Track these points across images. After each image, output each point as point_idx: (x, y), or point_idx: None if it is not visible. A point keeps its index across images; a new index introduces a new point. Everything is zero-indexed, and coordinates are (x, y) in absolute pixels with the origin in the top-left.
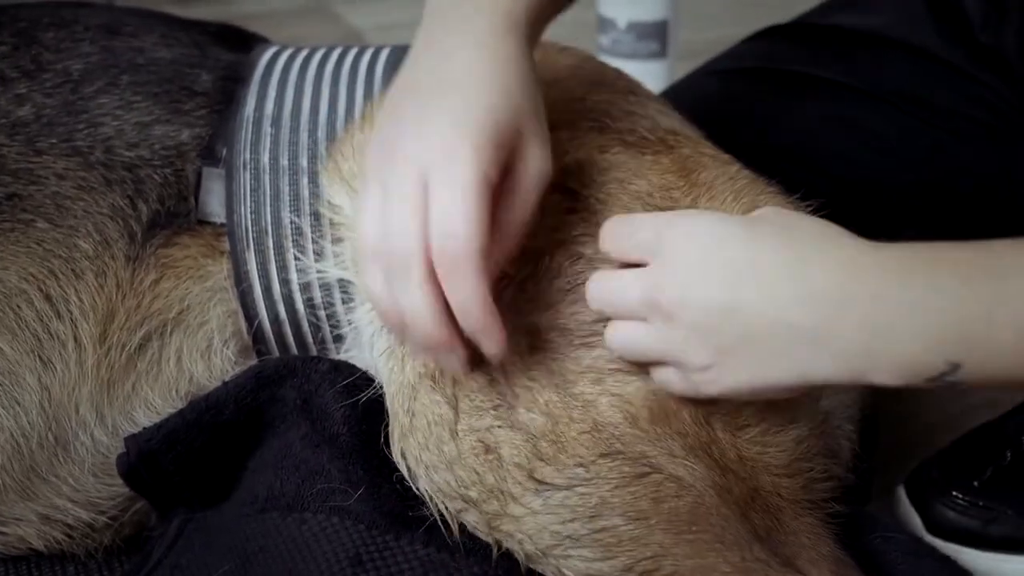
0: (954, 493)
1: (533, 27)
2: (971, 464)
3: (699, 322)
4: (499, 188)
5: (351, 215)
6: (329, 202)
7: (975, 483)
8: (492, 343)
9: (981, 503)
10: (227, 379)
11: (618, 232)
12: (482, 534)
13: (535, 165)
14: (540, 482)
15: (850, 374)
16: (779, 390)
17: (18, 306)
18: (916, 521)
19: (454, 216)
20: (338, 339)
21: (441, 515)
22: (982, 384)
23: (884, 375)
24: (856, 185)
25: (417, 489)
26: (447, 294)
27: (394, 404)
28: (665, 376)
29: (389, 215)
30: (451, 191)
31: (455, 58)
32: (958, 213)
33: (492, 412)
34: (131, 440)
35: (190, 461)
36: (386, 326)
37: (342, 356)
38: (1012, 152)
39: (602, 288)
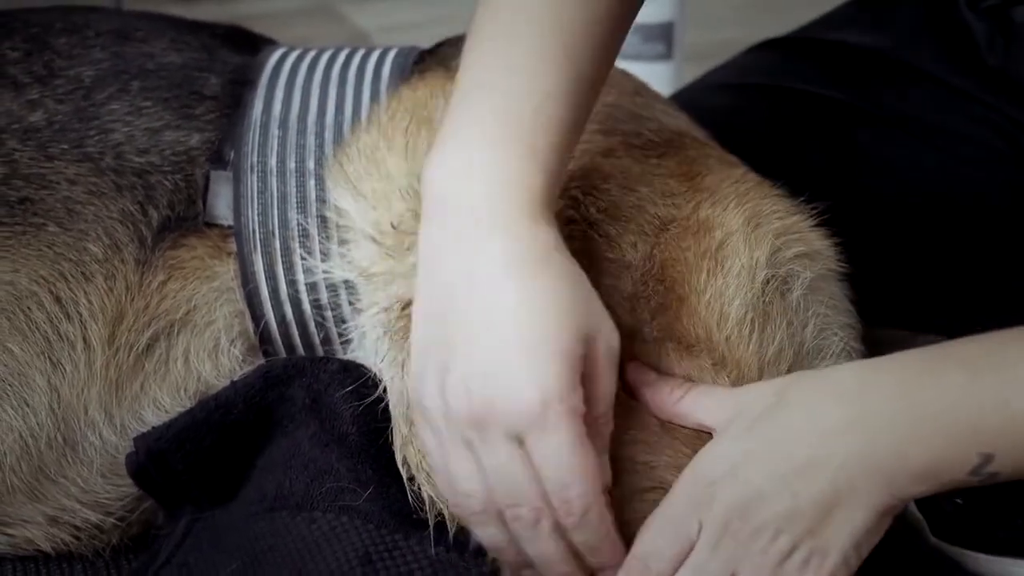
0: (959, 497)
1: (552, 195)
2: None
3: (765, 522)
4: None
5: (356, 218)
6: (335, 205)
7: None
8: (615, 564)
9: (988, 506)
10: (235, 378)
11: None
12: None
13: (605, 350)
14: None
15: (891, 497)
16: (871, 531)
17: (28, 308)
18: (923, 525)
19: (568, 475)
20: (344, 340)
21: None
22: (1020, 472)
23: (924, 483)
24: (861, 206)
25: (419, 496)
26: (575, 540)
27: (395, 412)
28: None
29: (495, 476)
30: (556, 452)
31: (487, 276)
32: (963, 235)
33: None
34: (140, 439)
35: (199, 460)
36: (509, 568)
37: (348, 357)
38: (1019, 174)
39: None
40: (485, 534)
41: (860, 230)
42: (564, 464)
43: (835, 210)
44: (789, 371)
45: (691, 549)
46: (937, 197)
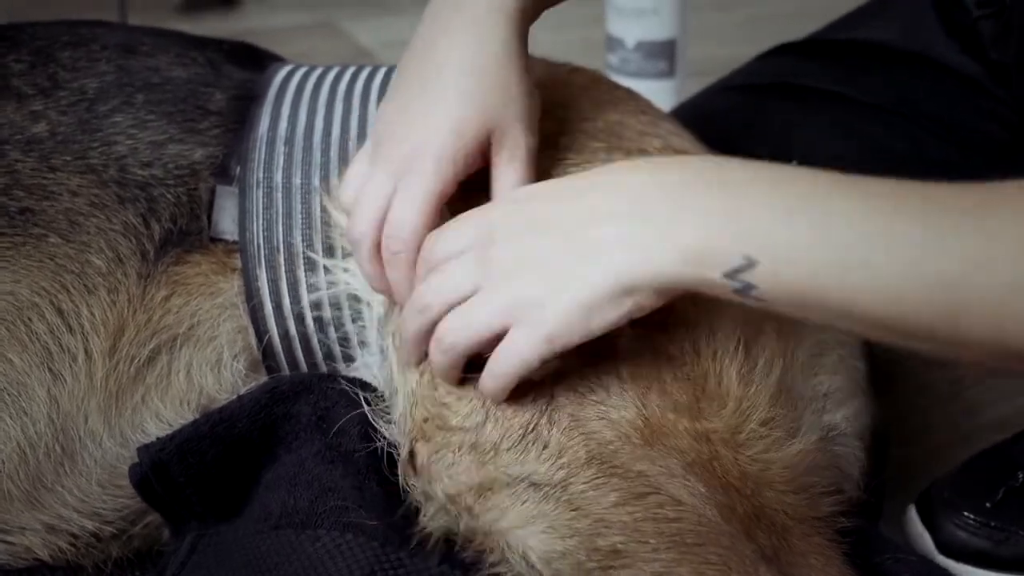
0: (965, 513)
1: (525, 14)
2: (983, 484)
3: (525, 267)
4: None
5: None
6: (340, 228)
7: (987, 504)
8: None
9: (992, 524)
10: (241, 393)
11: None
12: (482, 549)
13: (511, 146)
14: (535, 485)
15: (651, 263)
16: (607, 301)
17: (29, 319)
18: (927, 541)
19: (402, 222)
20: (348, 357)
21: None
22: (777, 299)
23: (683, 262)
24: None
25: (423, 510)
26: (387, 274)
27: (398, 429)
28: (510, 345)
29: (360, 208)
30: (406, 203)
31: (439, 58)
32: None
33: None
34: (143, 450)
35: (202, 473)
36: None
37: (352, 373)
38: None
39: (431, 287)
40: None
41: None
42: (400, 216)
43: None
44: (783, 365)
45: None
46: None
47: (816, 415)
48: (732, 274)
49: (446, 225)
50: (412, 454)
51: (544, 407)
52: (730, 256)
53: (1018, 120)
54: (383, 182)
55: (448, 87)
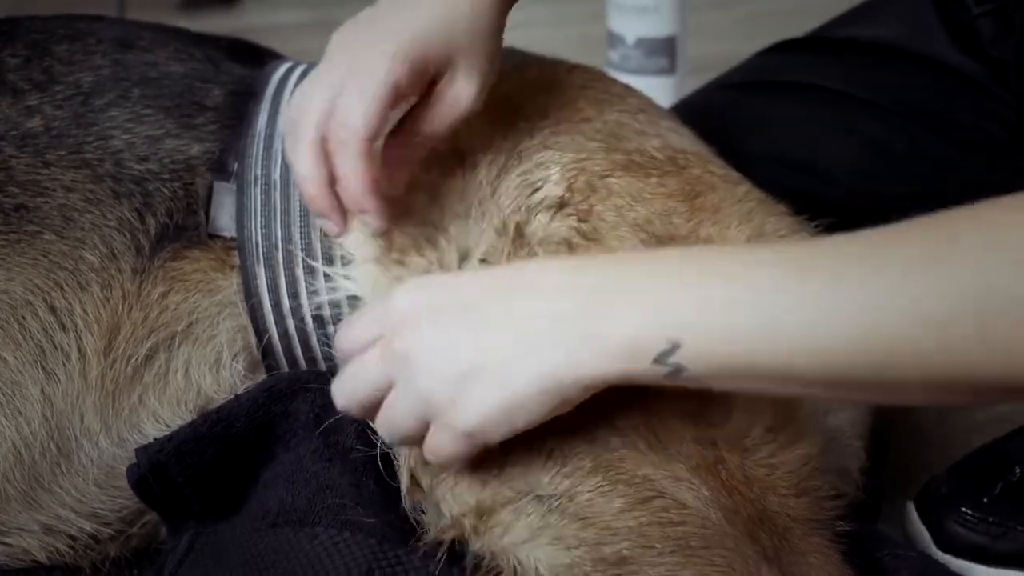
0: (963, 509)
1: None
2: (980, 481)
3: (431, 362)
4: (421, 100)
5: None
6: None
7: (984, 499)
8: (371, 218)
9: (990, 519)
10: (238, 392)
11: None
12: (487, 557)
13: (454, 87)
14: (539, 498)
15: (577, 364)
16: (530, 400)
17: (23, 317)
18: (926, 537)
19: (351, 110)
20: None
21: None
22: (709, 373)
23: (610, 358)
24: (865, 196)
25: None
26: (334, 169)
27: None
28: (433, 443)
29: (308, 96)
30: (357, 93)
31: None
32: None
33: None
34: (141, 451)
35: (200, 473)
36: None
37: None
38: (1021, 167)
39: (349, 378)
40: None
41: (862, 219)
42: (349, 103)
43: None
44: None
45: None
46: (939, 187)
47: (821, 418)
48: (660, 359)
49: (355, 314)
50: (413, 479)
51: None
52: (653, 344)
53: (1018, 119)
54: (329, 83)
55: (419, 4)
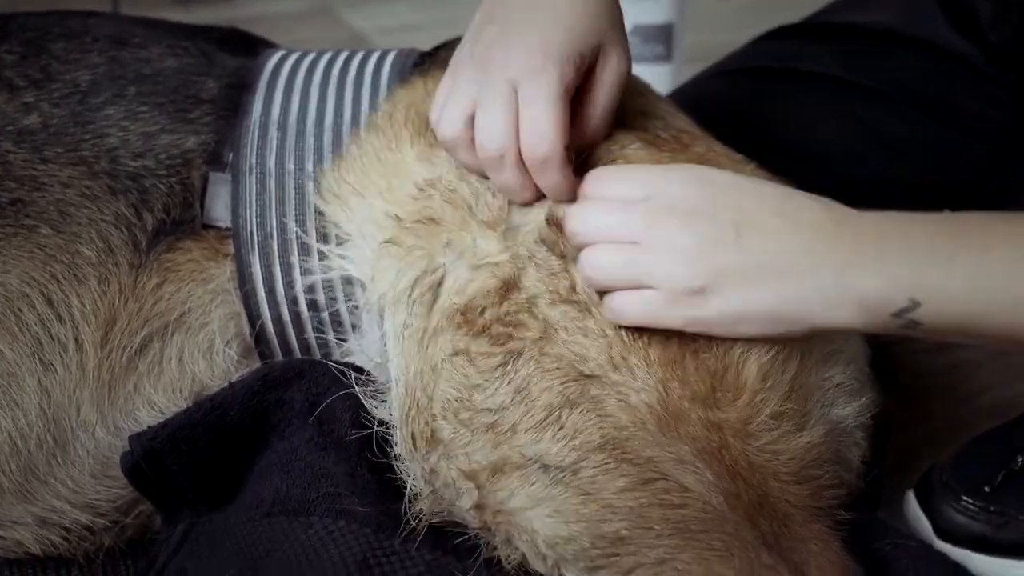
0: (964, 498)
1: None
2: (981, 469)
3: (699, 244)
4: (584, 87)
5: (354, 229)
6: (335, 223)
7: (985, 488)
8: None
9: (991, 508)
10: (233, 380)
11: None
12: (484, 533)
13: (612, 68)
14: (546, 467)
15: (822, 304)
16: (761, 320)
17: (19, 309)
18: (926, 526)
19: (542, 123)
20: (341, 342)
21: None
22: (938, 330)
23: (853, 306)
24: (865, 183)
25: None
26: (538, 182)
27: (393, 413)
28: (648, 298)
29: (487, 119)
30: (539, 102)
31: None
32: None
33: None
34: (135, 439)
35: (194, 461)
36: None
37: (346, 358)
38: (1020, 152)
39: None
40: (458, 159)
41: (862, 206)
42: (537, 116)
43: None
44: (800, 360)
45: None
46: (939, 172)
47: (826, 408)
48: (899, 314)
49: (617, 168)
50: (434, 432)
51: (568, 390)
52: (897, 301)
53: (1017, 104)
54: (503, 92)
55: (541, 5)
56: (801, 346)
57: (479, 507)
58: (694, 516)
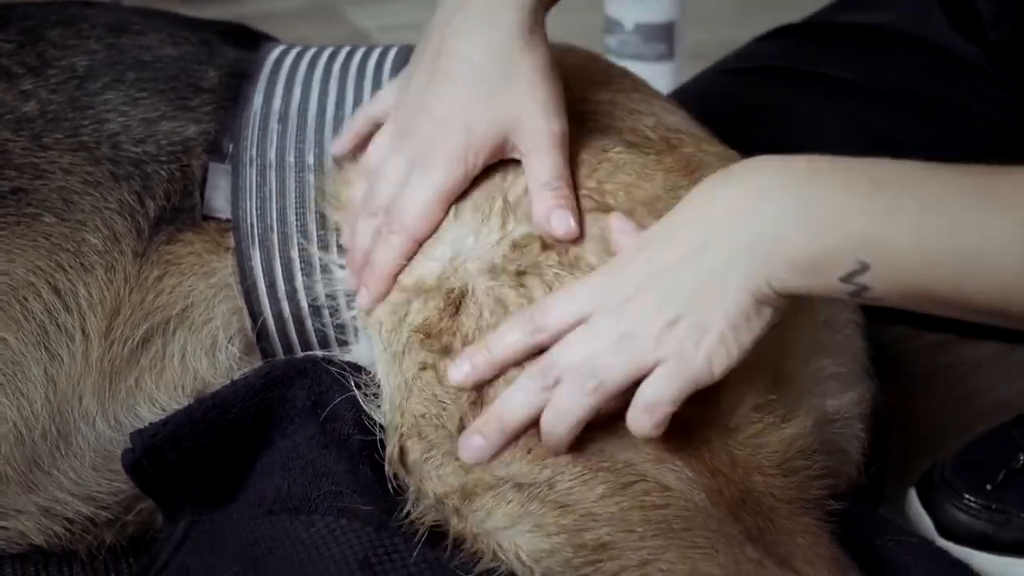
0: (966, 496)
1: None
2: (983, 467)
3: (658, 301)
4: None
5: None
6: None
7: (987, 486)
8: (367, 296)
9: (993, 506)
10: (234, 377)
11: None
12: (474, 551)
13: (532, 146)
14: (519, 486)
15: (766, 283)
16: (743, 307)
17: (25, 298)
18: (927, 524)
19: (411, 210)
20: (342, 339)
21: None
22: (890, 294)
23: (800, 270)
24: None
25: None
26: (374, 251)
27: (387, 412)
28: (656, 381)
29: (376, 185)
30: (420, 191)
31: (450, 48)
32: None
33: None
34: (136, 435)
35: (195, 458)
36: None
37: (345, 356)
38: (1020, 151)
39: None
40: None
41: None
42: (410, 203)
43: None
44: (783, 350)
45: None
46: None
47: (819, 399)
48: (847, 278)
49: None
50: (403, 451)
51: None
52: (844, 263)
53: (1018, 103)
54: (400, 168)
55: (458, 81)
56: (784, 335)
57: (460, 531)
58: (676, 515)
